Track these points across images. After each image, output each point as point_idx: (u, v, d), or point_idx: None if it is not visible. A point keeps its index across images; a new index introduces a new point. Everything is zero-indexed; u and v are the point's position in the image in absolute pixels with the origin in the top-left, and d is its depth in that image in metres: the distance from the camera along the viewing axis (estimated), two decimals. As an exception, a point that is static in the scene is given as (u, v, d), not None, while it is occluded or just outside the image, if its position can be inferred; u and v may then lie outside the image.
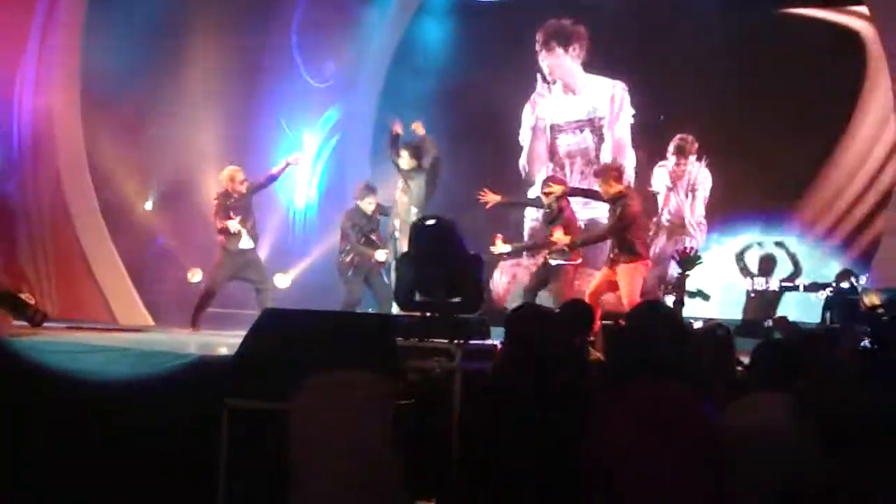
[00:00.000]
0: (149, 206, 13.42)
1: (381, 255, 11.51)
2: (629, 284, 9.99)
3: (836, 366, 5.16)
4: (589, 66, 14.26)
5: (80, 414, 7.14)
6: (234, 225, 11.38)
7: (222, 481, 6.65)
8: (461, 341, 7.42)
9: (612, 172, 10.71)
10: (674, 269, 10.83)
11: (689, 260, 7.23)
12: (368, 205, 11.75)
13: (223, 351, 7.82)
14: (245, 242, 11.59)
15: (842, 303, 9.68)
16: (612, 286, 10.34)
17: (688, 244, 11.01)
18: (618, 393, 4.45)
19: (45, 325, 10.74)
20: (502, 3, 14.32)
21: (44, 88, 12.38)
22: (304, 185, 14.67)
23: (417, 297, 8.79)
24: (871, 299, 8.23)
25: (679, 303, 6.83)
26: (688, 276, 7.16)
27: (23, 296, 11.07)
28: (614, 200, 10.39)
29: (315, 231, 14.53)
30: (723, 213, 13.43)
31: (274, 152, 13.69)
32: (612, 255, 10.23)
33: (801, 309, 12.24)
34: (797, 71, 12.90)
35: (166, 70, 13.14)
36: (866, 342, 5.10)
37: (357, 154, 14.81)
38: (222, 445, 6.64)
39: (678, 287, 7.16)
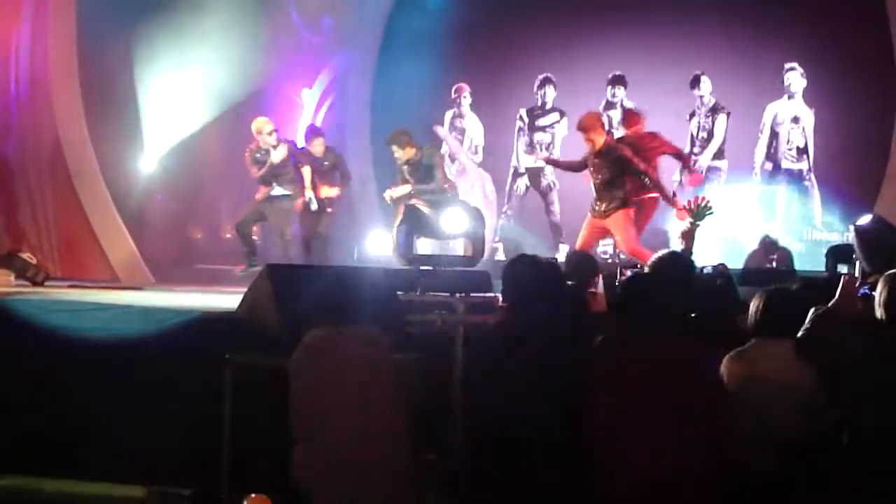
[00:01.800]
0: (148, 163, 13.38)
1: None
2: (625, 231, 10.00)
3: (836, 313, 5.15)
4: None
5: (84, 370, 7.16)
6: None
7: (226, 437, 6.68)
8: (463, 294, 7.42)
9: (600, 121, 10.44)
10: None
11: (700, 210, 7.21)
12: (316, 147, 11.97)
13: (225, 307, 7.83)
14: (276, 190, 11.76)
15: (838, 250, 9.64)
16: (601, 235, 10.36)
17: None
18: (623, 345, 4.46)
19: (47, 283, 10.77)
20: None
21: (40, 46, 12.33)
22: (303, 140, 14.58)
23: (418, 251, 8.81)
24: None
25: (688, 252, 6.80)
26: (698, 226, 7.11)
27: (24, 255, 11.10)
28: (605, 151, 10.14)
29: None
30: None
31: (270, 108, 13.61)
32: (598, 206, 10.13)
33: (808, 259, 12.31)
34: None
35: (161, 25, 13.02)
36: (866, 289, 5.07)
37: (357, 108, 14.75)
38: (226, 401, 6.66)
39: (687, 237, 7.11)
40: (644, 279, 4.70)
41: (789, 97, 13.07)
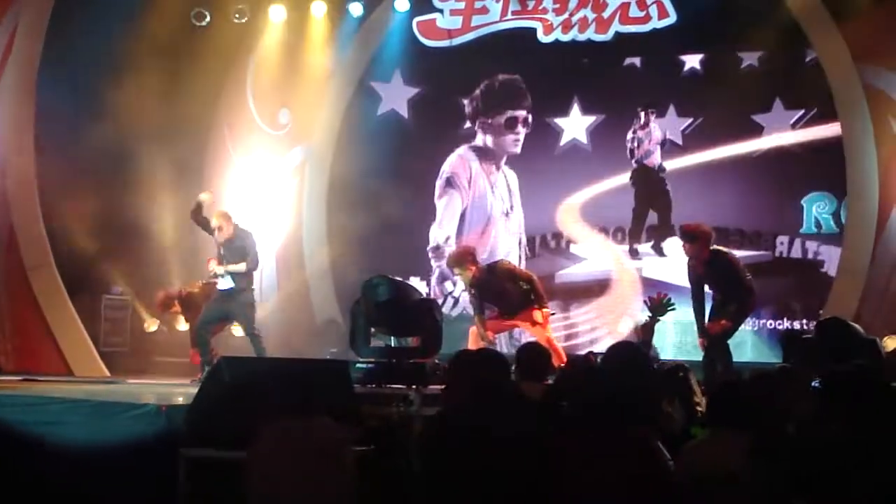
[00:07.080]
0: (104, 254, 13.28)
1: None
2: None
3: (789, 406, 5.19)
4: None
5: (35, 464, 7.08)
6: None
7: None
8: (419, 386, 7.42)
9: (468, 257, 10.67)
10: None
11: (660, 305, 7.33)
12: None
13: (180, 400, 7.77)
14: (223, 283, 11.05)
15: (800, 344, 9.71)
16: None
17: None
18: (578, 436, 4.46)
19: (0, 378, 10.65)
20: (456, 49, 14.38)
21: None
22: (263, 230, 14.60)
23: (373, 343, 8.82)
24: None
25: (646, 345, 6.90)
26: (658, 320, 7.23)
27: (-24, 350, 10.97)
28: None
29: (273, 276, 14.49)
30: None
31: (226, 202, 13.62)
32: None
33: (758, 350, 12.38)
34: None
35: (119, 119, 13.03)
36: (817, 382, 5.13)
37: (314, 198, 14.78)
38: (179, 496, 6.59)
39: (646, 329, 7.23)
40: (604, 371, 4.73)
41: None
